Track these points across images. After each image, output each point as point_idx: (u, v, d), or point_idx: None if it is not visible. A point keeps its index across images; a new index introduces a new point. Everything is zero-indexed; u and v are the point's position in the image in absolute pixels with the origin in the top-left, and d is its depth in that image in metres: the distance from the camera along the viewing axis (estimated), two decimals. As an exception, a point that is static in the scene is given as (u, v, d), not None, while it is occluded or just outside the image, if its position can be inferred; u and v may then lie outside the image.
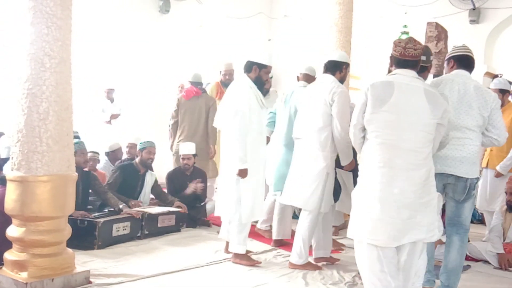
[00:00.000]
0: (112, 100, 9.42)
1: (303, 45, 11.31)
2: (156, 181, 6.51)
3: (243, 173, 4.70)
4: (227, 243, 5.07)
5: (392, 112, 3.39)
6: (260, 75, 4.89)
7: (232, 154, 4.76)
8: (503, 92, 5.87)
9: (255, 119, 4.80)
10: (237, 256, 4.86)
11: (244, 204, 4.75)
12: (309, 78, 5.84)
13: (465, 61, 4.10)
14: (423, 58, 4.09)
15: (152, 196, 6.61)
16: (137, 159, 6.40)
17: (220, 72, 7.90)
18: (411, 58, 3.53)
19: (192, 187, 6.53)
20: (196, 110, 7.30)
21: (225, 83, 7.21)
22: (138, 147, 6.45)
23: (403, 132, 3.37)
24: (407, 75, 3.51)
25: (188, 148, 6.70)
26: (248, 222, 4.87)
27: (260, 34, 13.10)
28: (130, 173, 6.27)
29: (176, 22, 11.30)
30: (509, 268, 5.06)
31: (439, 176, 3.81)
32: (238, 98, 4.78)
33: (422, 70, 4.00)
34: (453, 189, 3.92)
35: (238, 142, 4.69)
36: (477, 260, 5.27)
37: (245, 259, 4.86)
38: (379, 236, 3.36)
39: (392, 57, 3.62)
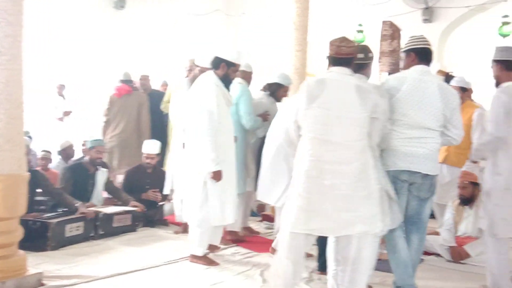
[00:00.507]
0: (63, 97, 9.25)
1: (261, 42, 11.34)
2: (108, 178, 6.38)
3: (217, 175, 4.56)
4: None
5: (323, 108, 3.52)
6: (228, 73, 4.78)
7: (200, 156, 4.61)
8: (463, 90, 5.98)
9: (222, 118, 4.67)
10: (194, 256, 4.81)
11: (212, 207, 4.63)
12: (246, 74, 5.88)
13: (425, 55, 4.00)
14: (361, 55, 4.15)
15: (108, 196, 6.49)
16: (86, 158, 6.25)
17: (185, 68, 7.87)
18: (345, 55, 3.66)
19: (151, 197, 6.46)
20: (128, 108, 7.49)
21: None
22: (87, 146, 6.30)
23: (333, 127, 3.50)
24: (340, 72, 3.63)
25: (152, 147, 6.62)
26: (216, 225, 4.78)
27: (218, 31, 13.06)
28: (79, 174, 6.09)
29: (132, 18, 11.15)
30: (461, 261, 5.19)
31: (406, 173, 3.82)
32: (205, 96, 4.64)
33: (362, 67, 4.09)
34: (419, 187, 3.87)
35: (210, 143, 4.53)
36: (429, 254, 5.39)
37: (203, 259, 4.81)
38: (312, 225, 3.49)
39: (328, 57, 3.74)
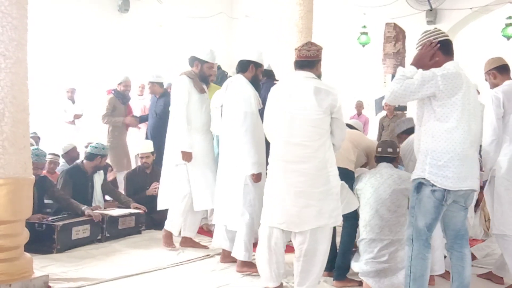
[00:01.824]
0: (73, 101, 9.29)
1: (264, 45, 11.35)
2: (105, 179, 6.35)
3: (258, 177, 4.48)
4: (224, 251, 4.85)
5: (284, 111, 3.70)
6: (257, 74, 4.74)
7: (240, 159, 4.50)
8: None
9: (258, 120, 4.57)
10: (245, 264, 4.56)
11: (255, 210, 4.51)
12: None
13: (451, 48, 3.58)
14: (389, 150, 4.21)
15: (109, 198, 6.51)
16: (84, 162, 6.14)
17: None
18: (304, 58, 3.79)
19: (152, 191, 6.44)
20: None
21: None
22: (93, 151, 6.10)
23: (292, 129, 3.68)
24: (300, 75, 3.78)
25: (146, 146, 6.62)
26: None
27: (221, 34, 13.09)
28: (78, 176, 6.04)
29: (136, 21, 11.19)
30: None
31: (463, 191, 3.39)
32: (244, 99, 4.51)
33: (390, 161, 4.21)
34: (468, 196, 3.49)
35: (252, 146, 4.42)
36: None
37: (248, 265, 4.57)
38: (278, 220, 3.71)
39: (294, 62, 3.87)
